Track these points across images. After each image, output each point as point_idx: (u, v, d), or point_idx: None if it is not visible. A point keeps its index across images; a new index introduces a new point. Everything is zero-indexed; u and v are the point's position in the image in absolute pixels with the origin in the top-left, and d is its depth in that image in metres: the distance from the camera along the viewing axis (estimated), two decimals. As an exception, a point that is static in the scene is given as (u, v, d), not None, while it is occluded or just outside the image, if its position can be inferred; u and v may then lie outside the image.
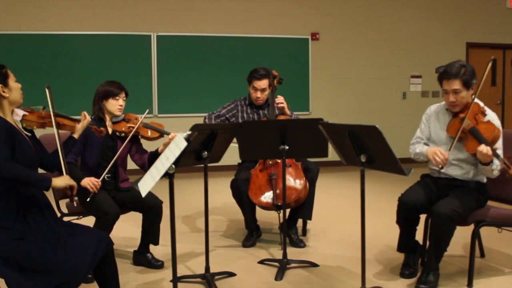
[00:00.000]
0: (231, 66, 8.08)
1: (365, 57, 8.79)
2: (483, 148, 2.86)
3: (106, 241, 2.55)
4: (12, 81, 2.50)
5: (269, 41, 8.28)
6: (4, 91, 2.46)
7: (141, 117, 3.56)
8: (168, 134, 3.57)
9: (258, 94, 4.12)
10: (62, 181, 2.51)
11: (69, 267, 2.31)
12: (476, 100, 3.12)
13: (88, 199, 3.26)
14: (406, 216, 3.18)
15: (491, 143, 2.91)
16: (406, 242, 3.28)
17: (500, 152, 3.01)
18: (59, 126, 2.83)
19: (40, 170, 2.70)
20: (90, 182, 3.27)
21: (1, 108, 2.47)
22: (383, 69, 8.91)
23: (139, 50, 7.81)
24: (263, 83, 4.09)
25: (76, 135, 2.96)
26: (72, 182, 2.54)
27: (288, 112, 4.10)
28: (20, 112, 2.60)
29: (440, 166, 3.04)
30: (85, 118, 3.00)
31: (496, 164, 2.94)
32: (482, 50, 9.33)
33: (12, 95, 2.49)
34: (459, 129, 3.01)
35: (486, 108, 3.13)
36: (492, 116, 3.11)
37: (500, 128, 3.03)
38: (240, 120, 4.15)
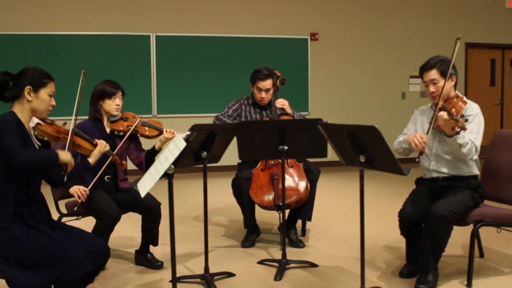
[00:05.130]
0: (230, 66, 8.08)
1: (364, 57, 8.79)
2: (442, 113, 2.89)
3: (104, 248, 2.58)
4: (44, 92, 2.50)
5: (268, 41, 8.28)
6: (29, 94, 2.47)
7: (139, 116, 3.54)
8: (163, 131, 3.47)
9: (263, 94, 4.07)
10: (65, 155, 2.53)
11: (67, 254, 2.33)
12: (457, 92, 3.23)
13: (75, 209, 3.23)
14: (408, 230, 3.20)
15: (453, 113, 2.91)
16: (413, 253, 3.26)
17: (475, 137, 3.02)
18: (74, 145, 2.78)
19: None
20: (78, 191, 3.22)
21: (21, 110, 2.48)
22: (382, 69, 8.91)
23: (138, 50, 7.81)
24: (267, 83, 4.05)
25: (91, 160, 2.84)
26: (71, 160, 2.56)
27: (289, 111, 4.07)
28: (35, 120, 2.57)
29: (419, 150, 3.06)
30: (103, 145, 2.90)
31: (463, 136, 2.92)
32: (481, 50, 9.32)
33: (35, 103, 2.49)
34: (434, 113, 3.04)
35: (468, 101, 3.16)
36: (472, 105, 3.16)
37: (471, 107, 3.10)
38: (243, 120, 4.10)
